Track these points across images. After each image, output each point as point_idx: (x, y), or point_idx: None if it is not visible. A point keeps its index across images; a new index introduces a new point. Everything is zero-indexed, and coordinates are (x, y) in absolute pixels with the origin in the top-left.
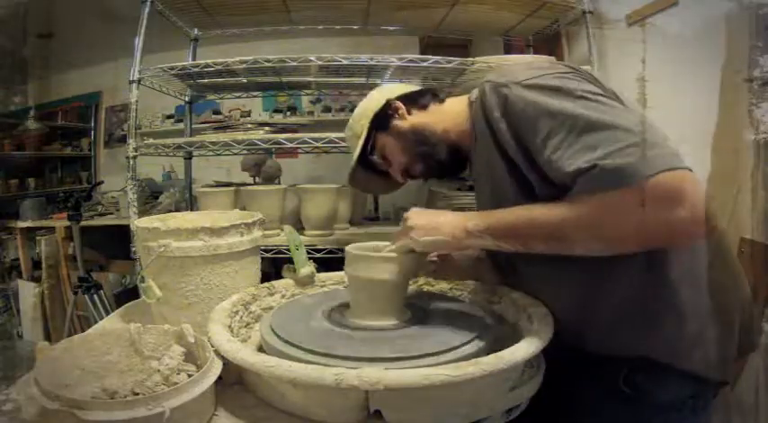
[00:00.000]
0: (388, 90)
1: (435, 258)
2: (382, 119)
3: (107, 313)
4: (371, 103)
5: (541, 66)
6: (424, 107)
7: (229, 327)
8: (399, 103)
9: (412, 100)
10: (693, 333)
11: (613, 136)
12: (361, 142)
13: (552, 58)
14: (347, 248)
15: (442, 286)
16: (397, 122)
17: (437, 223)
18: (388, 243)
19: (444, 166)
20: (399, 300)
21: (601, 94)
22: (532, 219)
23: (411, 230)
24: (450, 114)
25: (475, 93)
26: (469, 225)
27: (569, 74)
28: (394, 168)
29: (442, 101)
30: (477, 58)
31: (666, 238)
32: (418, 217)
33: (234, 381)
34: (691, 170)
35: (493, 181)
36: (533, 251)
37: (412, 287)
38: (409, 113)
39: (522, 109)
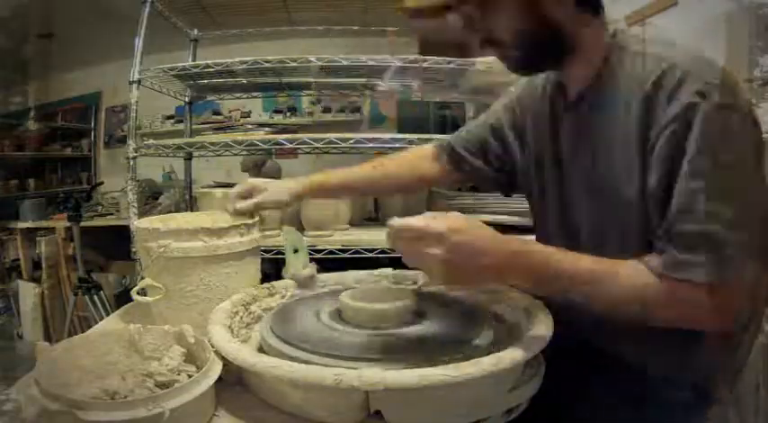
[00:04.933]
0: None
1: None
2: None
3: (107, 314)
4: None
5: (727, 75)
6: (586, 12)
7: (229, 327)
8: None
9: None
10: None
11: (733, 223)
12: None
13: None
14: (342, 299)
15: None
16: (549, 6)
17: (473, 271)
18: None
19: (534, 68)
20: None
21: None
22: (590, 292)
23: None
24: (591, 31)
25: (621, 33)
26: (509, 280)
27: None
28: (479, 33)
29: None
30: (478, 59)
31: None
32: (449, 263)
33: (234, 381)
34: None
35: (606, 154)
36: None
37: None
38: (575, 6)
39: (703, 133)
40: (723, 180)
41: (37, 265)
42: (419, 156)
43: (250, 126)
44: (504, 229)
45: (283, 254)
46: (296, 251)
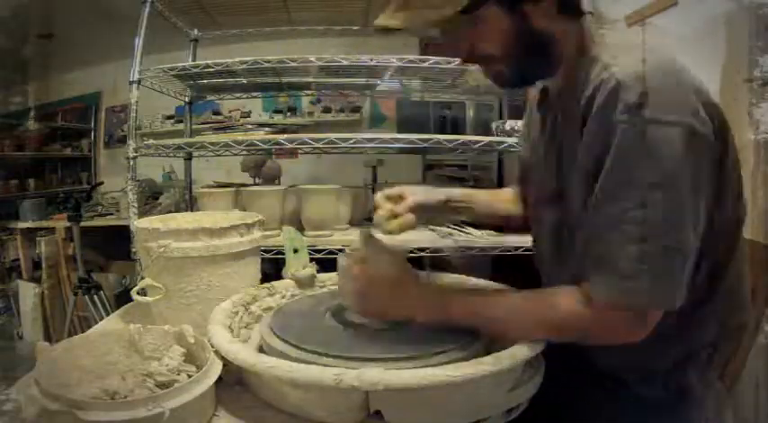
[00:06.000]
0: None
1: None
2: None
3: (107, 314)
4: None
5: (687, 80)
6: (570, 17)
7: (229, 327)
8: None
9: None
10: (698, 336)
11: (653, 259)
12: None
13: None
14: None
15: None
16: (537, 13)
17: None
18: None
19: (521, 83)
20: None
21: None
22: (502, 319)
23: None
24: (572, 42)
25: (599, 36)
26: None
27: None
28: (478, 48)
29: (581, 23)
30: None
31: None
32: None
33: (234, 381)
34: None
35: (559, 157)
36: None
37: None
38: (558, 12)
39: (620, 149)
40: (642, 200)
41: (37, 265)
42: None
43: (250, 126)
44: (498, 227)
45: (283, 254)
46: (296, 251)
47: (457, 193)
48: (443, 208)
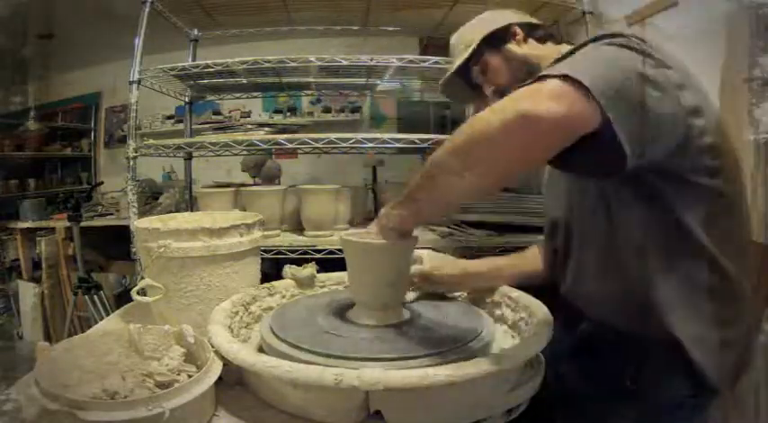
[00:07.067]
0: (508, 14)
1: (416, 279)
2: (498, 38)
3: (107, 314)
4: (490, 21)
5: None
6: (540, 40)
7: (229, 327)
8: (520, 30)
9: (532, 30)
10: (706, 333)
11: None
12: (469, 50)
13: None
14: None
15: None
16: (512, 46)
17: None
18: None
19: None
20: (397, 284)
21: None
22: (422, 170)
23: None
24: (548, 59)
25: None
26: (387, 208)
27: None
28: (488, 85)
29: (558, 41)
30: None
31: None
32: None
33: (235, 381)
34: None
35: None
36: (445, 203)
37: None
38: (525, 41)
39: None
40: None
41: (37, 265)
42: None
43: (250, 126)
44: (498, 227)
45: (284, 254)
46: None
47: (481, 265)
48: (461, 281)
